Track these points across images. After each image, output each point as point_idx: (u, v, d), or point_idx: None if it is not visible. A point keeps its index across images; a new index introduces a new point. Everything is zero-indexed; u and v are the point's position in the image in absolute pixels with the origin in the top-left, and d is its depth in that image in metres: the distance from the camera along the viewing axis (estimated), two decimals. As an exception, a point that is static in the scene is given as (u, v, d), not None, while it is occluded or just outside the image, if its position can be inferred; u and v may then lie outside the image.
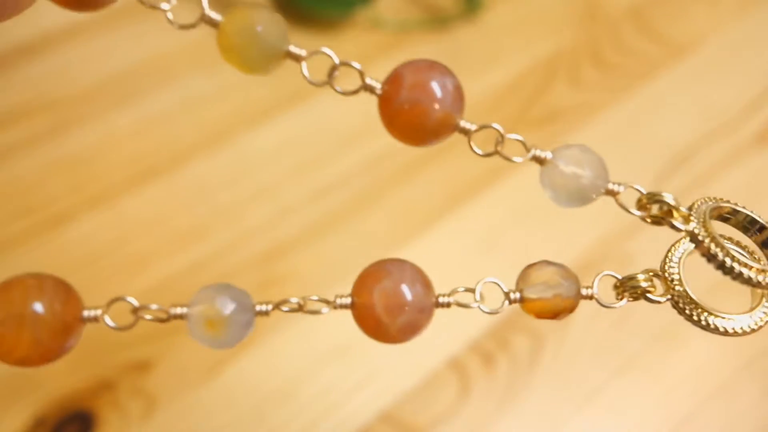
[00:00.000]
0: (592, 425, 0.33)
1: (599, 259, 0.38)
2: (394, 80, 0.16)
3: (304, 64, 0.16)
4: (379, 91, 0.16)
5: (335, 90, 0.16)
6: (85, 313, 0.16)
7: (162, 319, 0.16)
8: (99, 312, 0.16)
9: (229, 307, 0.16)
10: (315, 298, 0.16)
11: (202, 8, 0.15)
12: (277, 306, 0.16)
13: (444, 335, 0.34)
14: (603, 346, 0.35)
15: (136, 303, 0.16)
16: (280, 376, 0.33)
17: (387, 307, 0.16)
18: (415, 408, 0.33)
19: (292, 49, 0.16)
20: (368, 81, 0.16)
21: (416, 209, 0.38)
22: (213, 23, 0.16)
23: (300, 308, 0.16)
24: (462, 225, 0.38)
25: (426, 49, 0.44)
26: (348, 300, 0.16)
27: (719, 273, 0.16)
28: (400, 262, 0.17)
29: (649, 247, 0.38)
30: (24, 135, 0.38)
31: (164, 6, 0.16)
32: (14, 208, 0.36)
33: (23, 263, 0.35)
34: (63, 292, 0.16)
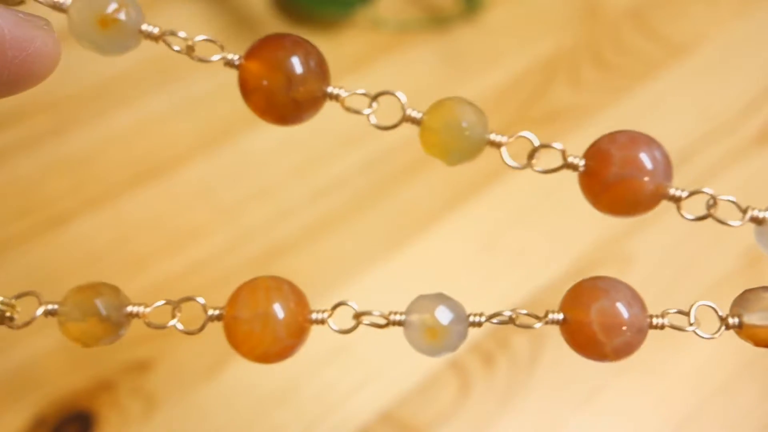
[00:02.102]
0: (592, 425, 0.33)
1: (599, 259, 0.38)
2: (599, 156, 0.16)
3: (504, 149, 0.16)
4: (582, 168, 0.16)
5: (534, 170, 0.16)
6: (313, 315, 0.17)
7: (380, 325, 0.17)
8: (325, 315, 0.17)
9: (447, 317, 0.16)
10: (524, 312, 0.16)
11: (403, 108, 0.16)
12: (489, 318, 0.17)
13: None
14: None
15: (356, 307, 0.17)
16: (280, 376, 0.33)
17: (604, 326, 0.16)
18: (415, 408, 0.33)
19: (493, 137, 0.16)
20: (570, 159, 0.16)
21: (416, 209, 0.38)
22: (415, 121, 0.16)
23: (511, 321, 0.17)
24: (462, 225, 0.38)
25: (426, 49, 0.44)
26: (560, 316, 0.17)
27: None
28: (614, 281, 0.17)
29: (649, 248, 0.38)
30: (24, 135, 0.38)
31: (366, 111, 0.16)
32: (14, 208, 0.36)
33: (23, 263, 0.35)
34: (296, 294, 0.17)
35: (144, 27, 0.16)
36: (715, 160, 0.42)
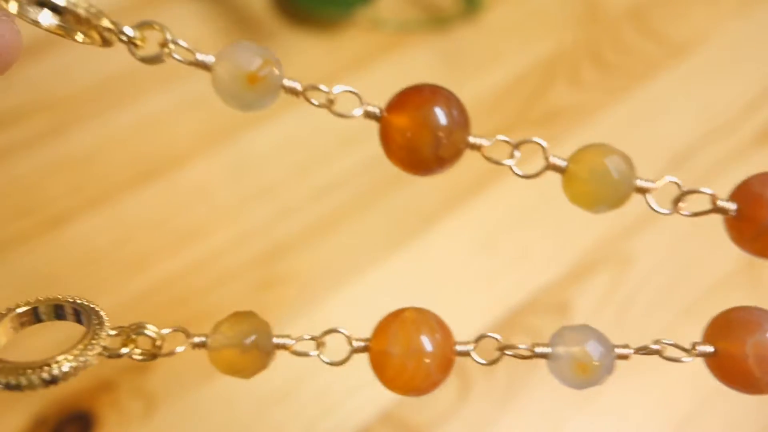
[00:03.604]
0: (592, 425, 0.33)
1: (599, 259, 0.38)
2: (751, 200, 0.15)
3: (649, 196, 0.16)
4: (732, 213, 0.16)
5: (682, 214, 0.16)
6: (458, 347, 0.17)
7: (524, 356, 0.17)
8: (471, 347, 0.17)
9: (598, 352, 0.16)
10: (669, 342, 0.16)
11: (546, 157, 0.15)
12: (637, 351, 0.16)
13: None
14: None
15: (500, 339, 0.17)
16: (280, 376, 0.33)
17: (760, 360, 0.16)
18: (415, 408, 0.33)
19: (640, 183, 0.16)
20: (720, 203, 0.16)
21: (416, 209, 0.38)
22: (559, 169, 0.16)
23: (657, 353, 0.16)
24: (462, 225, 0.38)
25: (426, 49, 0.44)
26: (710, 348, 0.16)
27: None
28: (763, 312, 0.17)
29: (649, 248, 0.38)
30: (24, 135, 0.38)
31: (508, 162, 0.16)
32: (14, 208, 0.36)
33: (23, 263, 0.35)
34: (441, 326, 0.17)
35: (286, 82, 0.16)
36: (715, 160, 0.42)
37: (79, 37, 0.15)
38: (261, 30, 0.44)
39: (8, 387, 0.14)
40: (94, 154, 0.38)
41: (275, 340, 0.16)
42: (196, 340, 0.16)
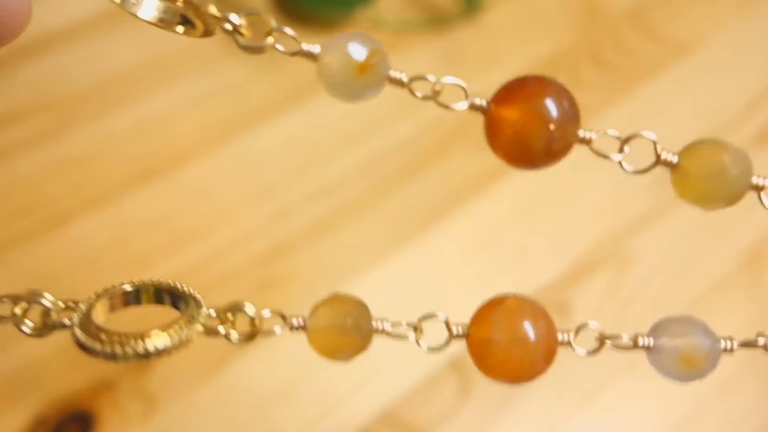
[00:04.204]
0: (592, 425, 0.33)
1: (599, 259, 0.38)
2: None
3: (763, 193, 0.15)
4: None
5: None
6: (559, 336, 0.16)
7: (626, 347, 0.16)
8: (571, 336, 0.16)
9: (706, 345, 0.16)
10: None
11: (656, 153, 0.15)
12: (741, 345, 0.16)
13: (444, 335, 0.34)
14: (603, 346, 0.35)
15: (597, 327, 0.16)
16: (280, 376, 0.33)
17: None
18: (415, 408, 0.33)
19: (756, 180, 0.15)
20: None
21: (416, 209, 0.38)
22: (671, 165, 0.15)
23: (765, 348, 0.16)
24: (462, 225, 0.38)
25: (426, 49, 0.44)
26: None
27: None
28: None
29: (649, 248, 0.38)
30: (24, 135, 0.38)
31: (616, 157, 0.16)
32: (14, 208, 0.36)
33: (23, 263, 0.35)
34: (544, 315, 0.16)
35: (392, 73, 0.15)
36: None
37: (180, 27, 0.15)
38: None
39: (104, 355, 0.14)
40: (94, 154, 0.38)
41: (374, 323, 0.16)
42: (295, 322, 0.16)
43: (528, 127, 0.15)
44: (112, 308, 0.16)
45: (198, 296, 0.16)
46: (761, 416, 0.34)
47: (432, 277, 0.37)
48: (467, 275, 0.37)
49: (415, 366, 0.34)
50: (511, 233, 0.38)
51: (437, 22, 0.45)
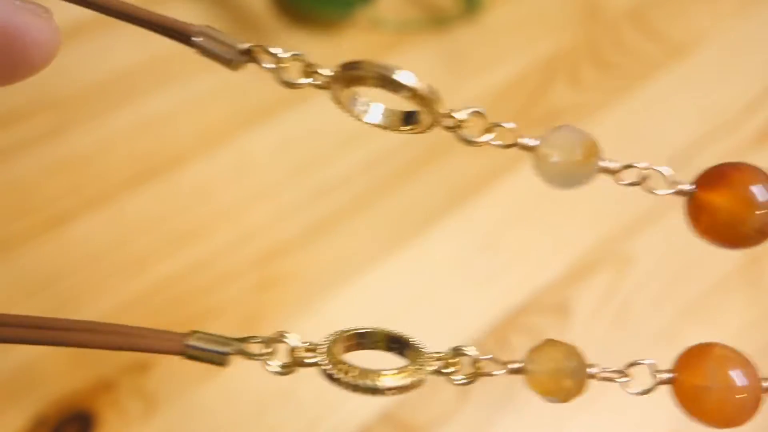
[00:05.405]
0: (592, 425, 0.33)
1: (599, 259, 0.38)
2: None
3: None
4: None
5: None
6: (764, 384, 0.17)
7: None
8: None
9: None
10: None
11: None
12: None
13: (444, 335, 0.34)
14: (603, 346, 0.35)
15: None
16: (280, 376, 0.33)
17: None
18: (415, 408, 0.33)
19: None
20: None
21: (416, 209, 0.38)
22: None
23: None
24: (462, 225, 0.38)
25: (426, 49, 0.44)
26: None
27: None
28: None
29: (649, 248, 0.38)
30: (24, 135, 0.38)
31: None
32: (14, 208, 0.36)
33: (23, 263, 0.35)
34: (748, 364, 0.17)
35: (604, 164, 0.16)
36: (715, 160, 0.41)
37: (404, 127, 0.16)
38: (261, 30, 0.44)
39: (352, 387, 0.16)
40: (94, 154, 0.38)
41: (588, 370, 0.17)
42: (513, 366, 0.17)
43: (736, 214, 0.16)
44: (345, 349, 0.17)
45: (423, 346, 0.17)
46: (761, 416, 0.34)
47: (432, 277, 0.37)
48: (467, 275, 0.37)
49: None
50: (510, 233, 0.38)
51: (437, 22, 0.45)
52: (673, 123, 0.43)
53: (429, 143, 0.41)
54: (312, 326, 0.34)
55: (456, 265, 0.37)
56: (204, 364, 0.16)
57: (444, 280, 0.37)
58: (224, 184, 0.38)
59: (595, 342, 0.35)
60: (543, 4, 0.48)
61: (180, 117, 0.40)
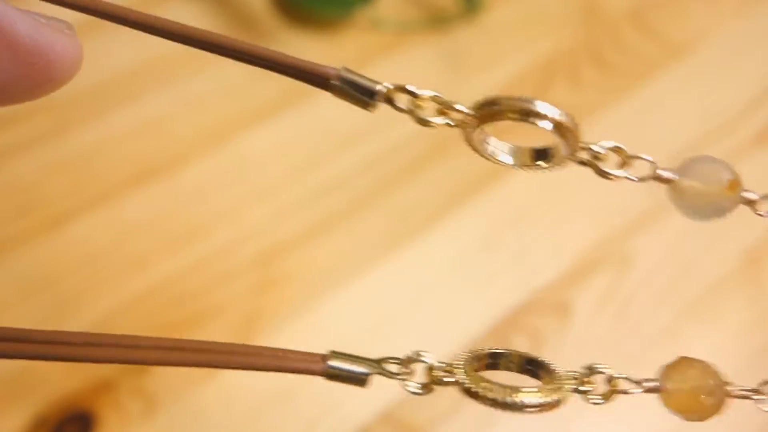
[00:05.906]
0: (593, 425, 0.33)
1: (599, 259, 0.38)
2: None
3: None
4: None
5: None
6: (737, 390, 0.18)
7: None
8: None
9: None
10: None
11: None
12: None
13: (444, 335, 0.34)
14: (603, 346, 0.35)
15: None
16: (280, 376, 0.33)
17: None
18: (415, 408, 0.33)
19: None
20: None
21: (416, 209, 0.38)
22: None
23: None
24: (462, 225, 0.38)
25: (426, 49, 0.44)
26: None
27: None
28: None
29: (649, 248, 0.38)
30: (24, 135, 0.38)
31: None
32: (14, 208, 0.36)
33: (23, 263, 0.35)
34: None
35: (745, 194, 0.16)
36: (715, 160, 0.42)
37: (539, 163, 0.16)
38: (261, 30, 0.44)
39: (493, 403, 0.17)
40: (94, 154, 0.38)
41: (728, 388, 0.18)
42: (650, 385, 0.18)
43: None
44: (476, 369, 0.17)
45: (557, 366, 0.17)
46: (761, 416, 0.34)
47: (432, 277, 0.37)
48: (467, 275, 0.37)
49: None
50: (510, 233, 0.38)
51: (437, 22, 0.45)
52: (672, 123, 0.43)
53: (429, 143, 0.41)
54: (311, 325, 0.34)
55: (456, 265, 0.37)
56: (344, 384, 0.17)
57: (444, 280, 0.37)
58: (224, 184, 0.38)
59: (595, 342, 0.35)
60: (543, 4, 0.48)
61: (180, 117, 0.40)
